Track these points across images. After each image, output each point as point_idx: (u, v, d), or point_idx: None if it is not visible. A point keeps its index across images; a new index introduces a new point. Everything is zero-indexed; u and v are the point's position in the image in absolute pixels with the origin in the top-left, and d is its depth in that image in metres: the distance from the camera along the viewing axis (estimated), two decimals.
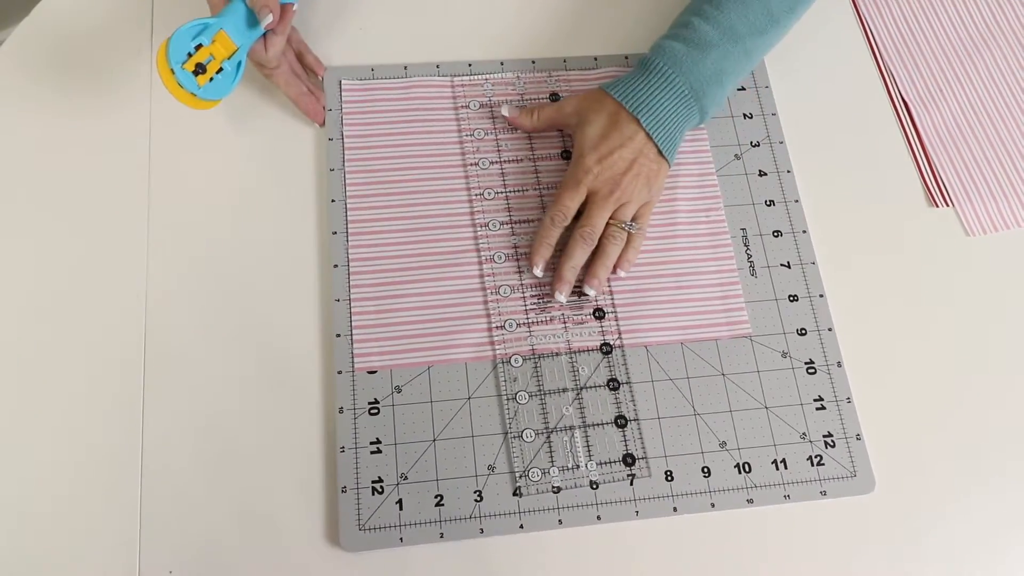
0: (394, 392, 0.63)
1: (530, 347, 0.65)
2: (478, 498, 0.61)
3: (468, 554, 0.60)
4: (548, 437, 0.63)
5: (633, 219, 0.68)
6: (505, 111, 0.72)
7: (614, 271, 0.68)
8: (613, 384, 0.65)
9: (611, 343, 0.66)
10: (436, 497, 0.61)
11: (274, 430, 0.62)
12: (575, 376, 0.65)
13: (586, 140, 0.68)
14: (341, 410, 0.63)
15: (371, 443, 0.62)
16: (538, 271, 0.67)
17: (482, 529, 0.60)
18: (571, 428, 0.63)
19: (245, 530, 0.60)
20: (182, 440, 0.62)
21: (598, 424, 0.63)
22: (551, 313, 0.67)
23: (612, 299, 0.67)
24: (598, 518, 0.61)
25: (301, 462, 0.62)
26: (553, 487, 0.61)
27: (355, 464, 0.61)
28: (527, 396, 0.64)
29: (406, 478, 0.61)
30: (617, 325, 0.67)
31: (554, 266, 0.67)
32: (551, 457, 0.62)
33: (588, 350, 0.66)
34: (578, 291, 0.67)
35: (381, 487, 0.61)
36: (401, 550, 0.60)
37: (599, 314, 0.67)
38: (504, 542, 0.60)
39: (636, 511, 0.61)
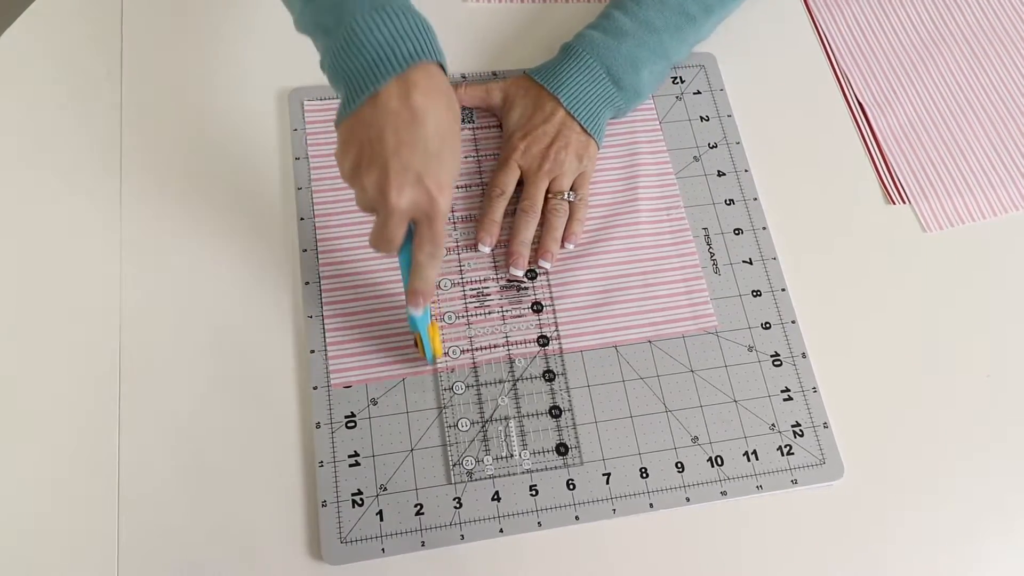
0: (370, 405, 0.64)
1: (468, 338, 0.67)
2: (457, 505, 0.62)
3: (450, 560, 0.61)
4: (483, 427, 0.64)
5: (572, 190, 0.71)
6: None
7: (562, 245, 0.70)
8: (549, 376, 0.66)
9: (548, 336, 0.68)
10: (416, 506, 0.61)
11: (252, 447, 0.63)
12: (511, 367, 0.66)
13: (512, 121, 0.73)
14: (318, 425, 0.63)
15: (349, 456, 0.62)
16: (485, 247, 0.70)
17: (463, 535, 0.61)
18: (506, 418, 0.65)
19: (226, 548, 0.60)
20: (160, 460, 0.62)
21: (533, 414, 0.65)
22: (490, 309, 0.68)
23: (551, 293, 0.69)
24: (576, 518, 0.62)
25: (280, 478, 0.62)
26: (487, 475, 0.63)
27: (334, 478, 0.62)
28: (463, 387, 0.65)
29: (385, 489, 0.62)
30: (555, 318, 0.68)
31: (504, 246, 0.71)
32: (486, 446, 0.64)
33: (526, 342, 0.67)
34: (531, 271, 0.70)
35: (361, 499, 0.61)
36: (384, 560, 0.60)
37: (537, 307, 0.69)
38: (485, 547, 0.61)
39: (613, 509, 0.62)
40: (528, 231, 0.70)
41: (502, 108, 0.74)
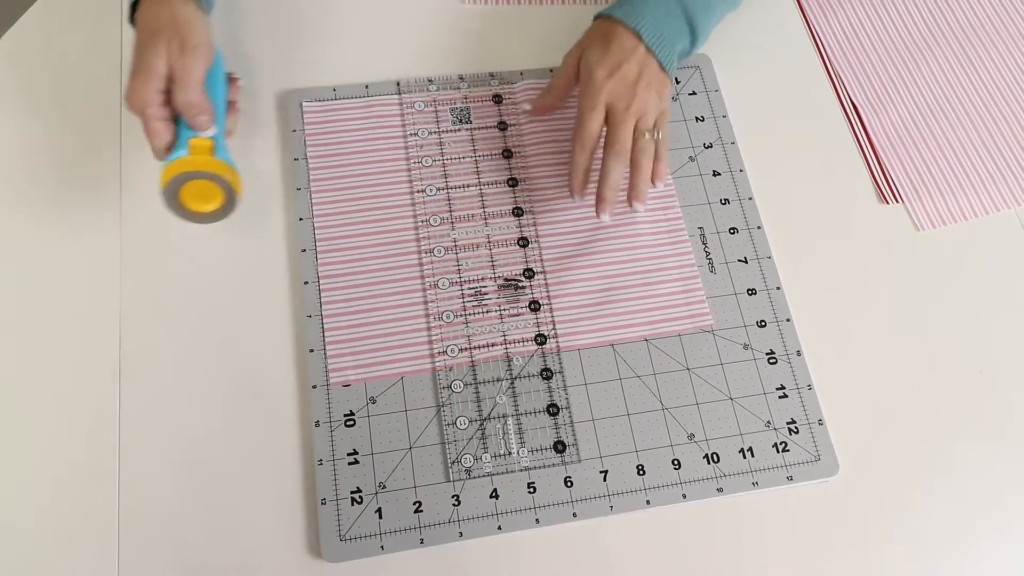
0: (369, 403, 0.65)
1: (466, 336, 0.67)
2: (456, 502, 0.62)
3: (448, 558, 0.61)
4: (481, 425, 0.65)
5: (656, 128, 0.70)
6: (527, 105, 0.75)
7: (652, 184, 0.69)
8: (546, 374, 0.67)
9: (545, 334, 0.68)
10: (415, 504, 0.62)
11: (252, 446, 0.63)
12: (509, 365, 0.67)
13: (592, 61, 0.69)
14: (317, 423, 0.64)
15: (348, 454, 0.63)
16: (579, 198, 0.70)
17: (461, 532, 0.61)
18: (504, 416, 0.65)
19: (226, 547, 0.60)
20: (160, 460, 0.62)
21: (531, 412, 0.65)
22: (488, 308, 0.69)
23: (548, 292, 0.69)
24: (574, 515, 0.62)
25: (280, 476, 0.62)
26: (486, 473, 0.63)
27: (333, 476, 0.62)
28: (461, 385, 0.66)
29: (384, 487, 0.62)
30: (552, 317, 0.68)
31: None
32: (484, 444, 0.64)
33: (524, 340, 0.68)
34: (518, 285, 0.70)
35: (360, 497, 0.62)
36: (383, 558, 0.60)
37: (534, 306, 0.69)
38: (483, 544, 0.61)
39: (610, 506, 0.62)
40: (618, 174, 0.68)
41: (582, 61, 0.71)
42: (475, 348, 0.67)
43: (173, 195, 0.62)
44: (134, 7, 0.66)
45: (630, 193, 0.68)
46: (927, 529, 0.64)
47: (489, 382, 0.66)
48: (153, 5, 0.65)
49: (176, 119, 0.64)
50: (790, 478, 0.64)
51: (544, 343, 0.68)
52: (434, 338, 0.67)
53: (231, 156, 0.65)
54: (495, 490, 0.63)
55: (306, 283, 0.68)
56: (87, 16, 0.76)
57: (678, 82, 0.80)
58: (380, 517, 0.61)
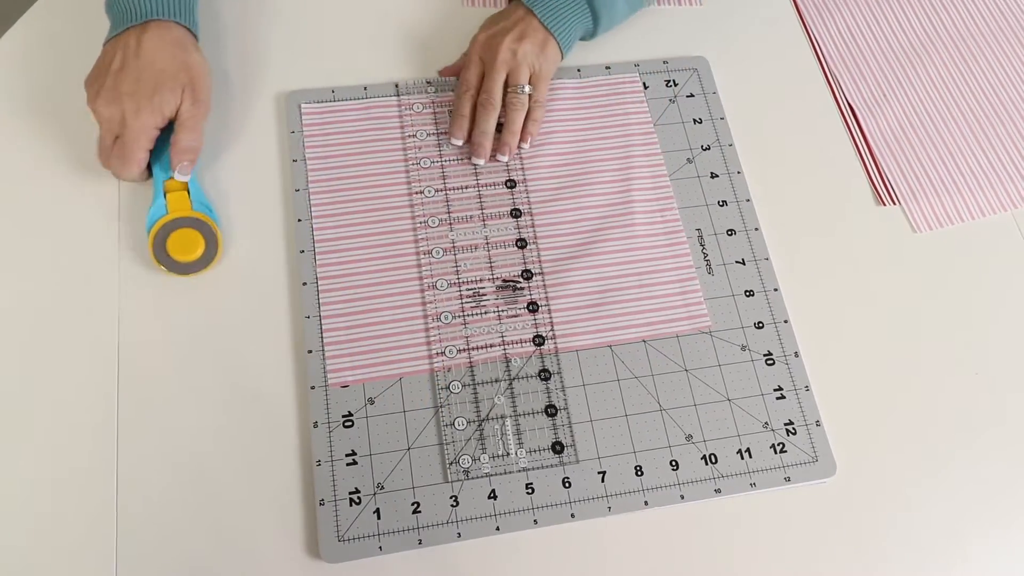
0: (367, 404, 0.65)
1: (464, 338, 0.68)
2: (454, 503, 0.62)
3: (447, 558, 0.61)
4: (480, 425, 0.65)
5: (531, 85, 0.74)
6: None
7: (523, 140, 0.74)
8: (544, 375, 0.67)
9: (543, 335, 0.68)
10: (413, 504, 0.62)
11: (250, 447, 0.63)
12: (507, 366, 0.67)
13: (480, 28, 0.77)
14: (316, 424, 0.64)
15: (347, 455, 0.63)
16: (457, 141, 0.74)
17: (459, 533, 0.61)
18: (502, 417, 0.65)
19: (225, 548, 0.60)
20: (158, 461, 0.62)
21: (529, 413, 0.65)
22: (486, 309, 0.69)
23: (546, 293, 0.69)
24: (572, 516, 0.62)
25: (278, 477, 0.63)
26: (484, 474, 0.63)
27: (332, 476, 0.62)
28: (460, 386, 0.66)
29: (383, 487, 0.62)
30: (550, 318, 0.69)
31: None
32: (482, 445, 0.64)
33: (522, 341, 0.68)
34: (511, 281, 0.70)
35: (358, 498, 0.62)
36: (381, 558, 0.60)
37: (533, 307, 0.69)
38: (481, 544, 0.62)
39: (608, 507, 0.63)
40: (487, 122, 0.73)
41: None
42: (473, 349, 0.67)
43: (160, 245, 0.67)
44: (142, 25, 0.69)
45: (495, 143, 0.73)
46: (924, 529, 0.64)
47: (487, 383, 0.66)
48: (170, 44, 0.69)
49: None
50: (788, 479, 0.64)
51: (542, 344, 0.68)
52: (432, 339, 0.67)
53: (206, 199, 0.71)
54: (493, 491, 0.63)
55: (304, 284, 0.68)
56: (87, 16, 0.76)
57: (676, 84, 0.80)
58: (378, 518, 0.61)
